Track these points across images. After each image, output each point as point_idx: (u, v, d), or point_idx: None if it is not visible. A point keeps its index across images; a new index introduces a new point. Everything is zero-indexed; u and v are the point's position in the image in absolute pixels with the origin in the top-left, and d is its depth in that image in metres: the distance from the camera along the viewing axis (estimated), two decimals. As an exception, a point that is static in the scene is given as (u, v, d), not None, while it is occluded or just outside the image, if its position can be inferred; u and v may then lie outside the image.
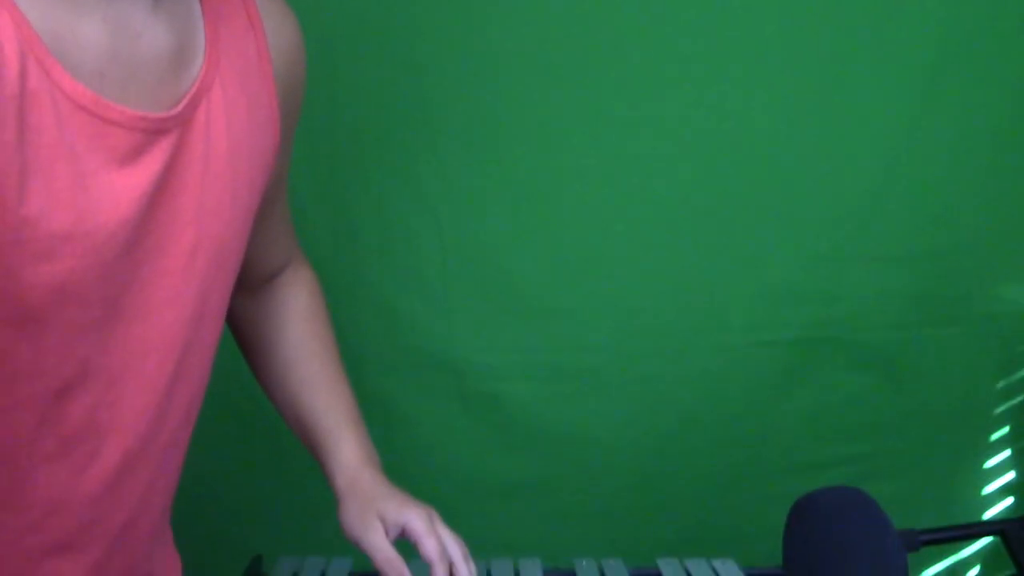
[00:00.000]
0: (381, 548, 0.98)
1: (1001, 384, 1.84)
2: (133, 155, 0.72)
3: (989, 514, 1.91)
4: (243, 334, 1.14)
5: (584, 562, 1.28)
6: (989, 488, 1.90)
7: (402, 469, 1.60)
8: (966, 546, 1.94)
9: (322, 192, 1.56)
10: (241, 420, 1.61)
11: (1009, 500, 1.91)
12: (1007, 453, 1.88)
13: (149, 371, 0.80)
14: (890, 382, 1.76)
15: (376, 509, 1.01)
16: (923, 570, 1.93)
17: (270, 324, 1.13)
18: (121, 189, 0.72)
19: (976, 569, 1.97)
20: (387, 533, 1.00)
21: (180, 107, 0.77)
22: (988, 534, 1.69)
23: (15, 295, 0.67)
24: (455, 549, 1.02)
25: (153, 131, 0.74)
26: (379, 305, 1.62)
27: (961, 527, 1.39)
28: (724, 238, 1.63)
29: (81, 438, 0.77)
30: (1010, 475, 1.89)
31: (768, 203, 1.62)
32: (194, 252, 0.81)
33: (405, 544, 1.02)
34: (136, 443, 0.81)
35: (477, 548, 1.37)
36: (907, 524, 1.13)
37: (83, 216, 0.69)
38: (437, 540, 1.00)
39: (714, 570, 1.27)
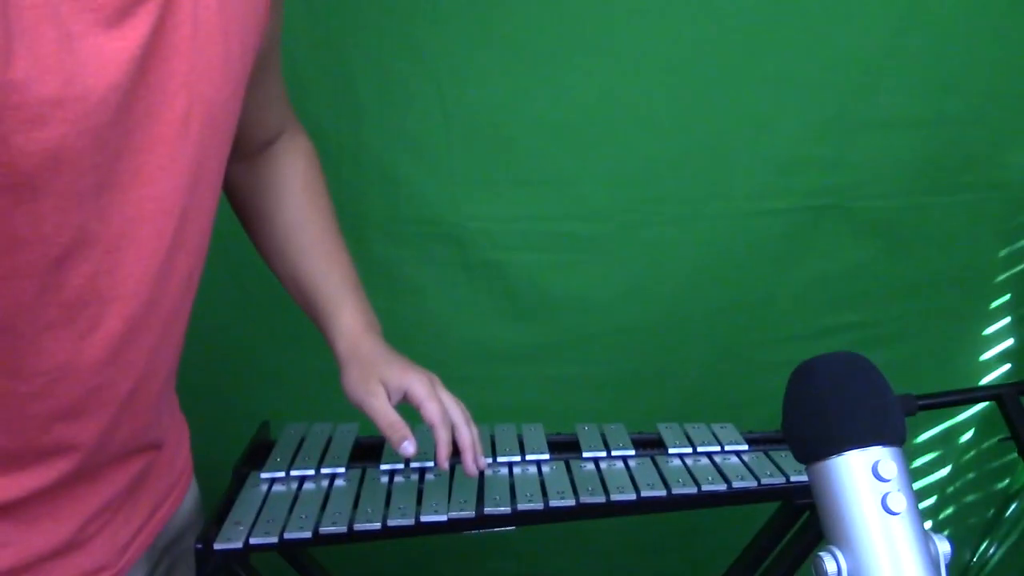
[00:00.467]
0: (384, 412, 1.00)
1: (1003, 252, 1.84)
2: (119, 16, 0.71)
3: (986, 380, 1.93)
4: (241, 204, 1.13)
5: (586, 427, 1.31)
6: (987, 355, 1.92)
7: (406, 337, 1.62)
8: (962, 411, 1.97)
9: (322, 61, 1.54)
10: (245, 288, 1.62)
11: (1007, 367, 1.93)
12: (1007, 320, 1.90)
13: (147, 238, 0.80)
14: (892, 250, 1.76)
15: (378, 374, 1.03)
16: (919, 434, 1.97)
17: (267, 193, 1.12)
18: (109, 52, 0.70)
19: (970, 433, 2.01)
20: (389, 398, 1.02)
21: None
22: (985, 399, 1.71)
23: (7, 162, 0.66)
24: (457, 412, 1.04)
25: None
26: (381, 174, 1.60)
27: (958, 392, 1.41)
28: (728, 104, 1.61)
29: (82, 305, 0.78)
30: (1009, 342, 1.91)
31: (772, 68, 1.59)
32: (187, 117, 0.80)
33: (409, 410, 1.04)
34: (138, 309, 0.82)
35: (481, 413, 1.39)
36: (906, 390, 1.15)
37: (71, 80, 0.67)
38: (439, 404, 1.02)
39: (713, 434, 1.30)
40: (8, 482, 0.82)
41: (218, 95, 0.83)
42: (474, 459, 1.04)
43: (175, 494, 1.06)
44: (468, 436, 1.04)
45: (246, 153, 1.09)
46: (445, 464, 1.02)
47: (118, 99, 0.72)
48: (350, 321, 1.08)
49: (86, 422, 0.84)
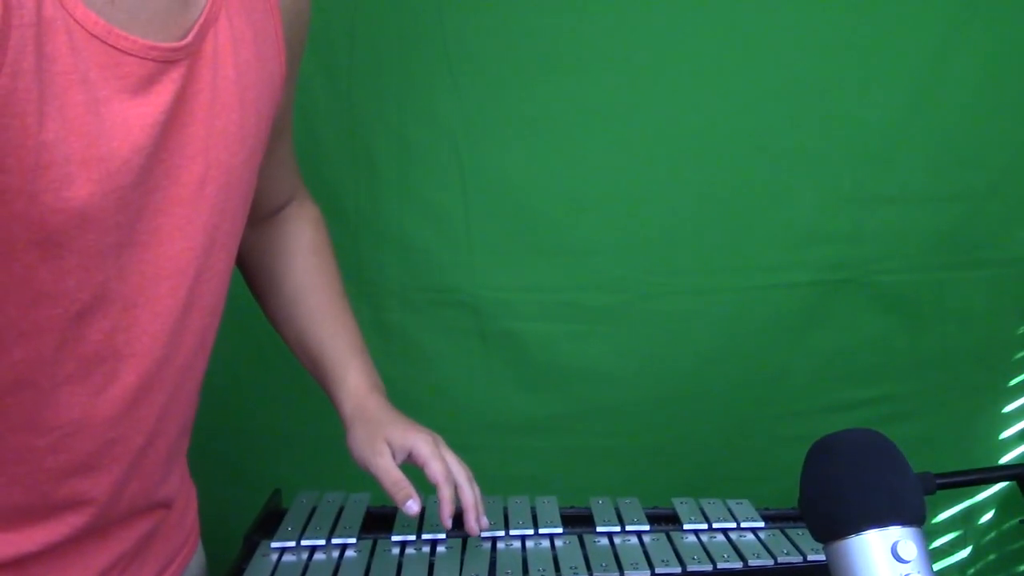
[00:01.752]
0: (388, 471, 1.01)
1: (1022, 329, 1.82)
2: (145, 84, 0.74)
3: (1006, 459, 1.91)
4: (249, 268, 1.15)
5: (600, 501, 1.29)
6: (1007, 433, 1.90)
7: (420, 405, 1.61)
8: (982, 490, 1.94)
9: (342, 127, 1.56)
10: (261, 354, 1.62)
11: (1027, 445, 1.91)
12: (1026, 398, 1.88)
13: (163, 296, 0.82)
14: (910, 325, 1.75)
15: (383, 434, 1.04)
16: (938, 513, 1.93)
17: (275, 258, 1.14)
18: (134, 117, 0.73)
19: (991, 513, 1.98)
20: (394, 457, 1.02)
21: (189, 37, 0.78)
22: (1005, 479, 1.67)
23: (37, 220, 0.68)
24: (460, 472, 1.04)
25: (164, 60, 0.75)
26: (398, 241, 1.61)
27: (978, 471, 1.37)
28: (745, 177, 1.61)
29: (99, 360, 0.79)
30: (1028, 419, 1.89)
31: (790, 140, 1.60)
32: (203, 181, 0.82)
33: (415, 473, 1.03)
34: (152, 366, 0.84)
35: (494, 485, 1.38)
36: (924, 468, 1.13)
37: (97, 141, 0.70)
38: (442, 463, 1.03)
39: (729, 510, 1.28)
40: (21, 537, 0.83)
41: (233, 160, 0.86)
42: (476, 518, 1.04)
43: (182, 555, 1.06)
44: (471, 496, 1.04)
45: (256, 219, 1.10)
46: (448, 522, 1.01)
47: (140, 162, 0.74)
48: (356, 382, 1.09)
49: (99, 477, 0.85)
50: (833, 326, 1.72)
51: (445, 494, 1.01)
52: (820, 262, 1.67)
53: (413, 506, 0.99)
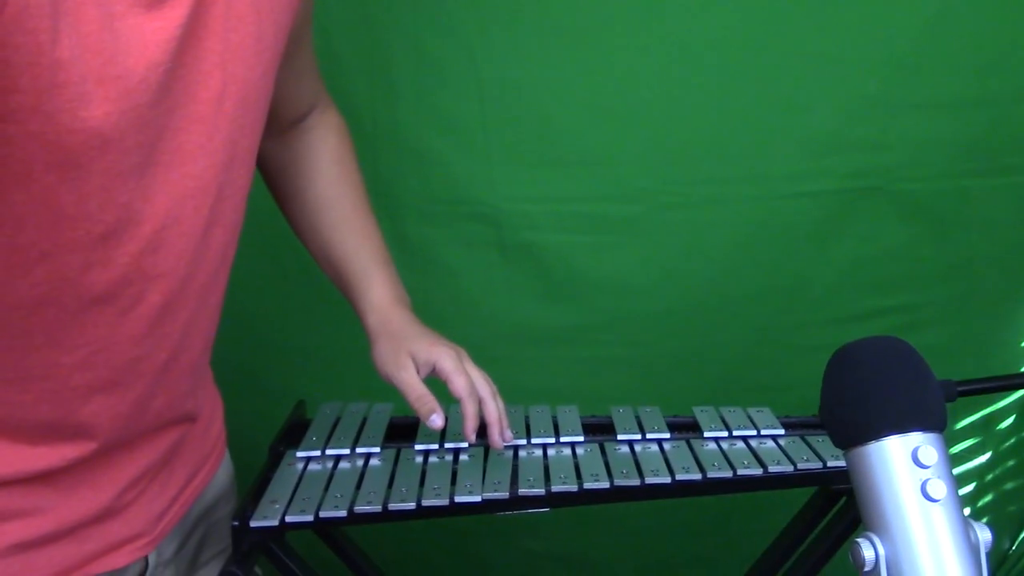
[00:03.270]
0: (413, 386, 1.03)
1: (1047, 237, 1.80)
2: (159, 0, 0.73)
3: (1028, 366, 1.91)
4: (273, 179, 1.16)
5: (621, 410, 1.30)
6: (1029, 340, 1.89)
7: (440, 317, 1.62)
8: (1003, 397, 1.95)
9: (357, 39, 1.53)
10: (280, 267, 1.63)
11: (1049, 352, 1.90)
12: (1050, 305, 1.87)
13: (187, 216, 0.82)
14: (933, 233, 1.73)
15: (407, 348, 1.05)
16: (958, 420, 1.94)
17: (299, 169, 1.14)
18: (149, 33, 0.72)
19: (1010, 419, 1.98)
20: (418, 371, 1.04)
21: None
22: (1026, 386, 1.69)
23: (53, 140, 0.68)
24: (483, 386, 1.07)
25: None
26: (416, 153, 1.60)
27: (999, 378, 1.38)
28: (767, 84, 1.59)
29: (126, 283, 0.80)
30: (1052, 327, 1.88)
31: (812, 47, 1.57)
32: (221, 97, 0.82)
33: (439, 386, 1.04)
34: (176, 285, 0.84)
35: (515, 395, 1.39)
36: (945, 375, 1.13)
37: (113, 59, 0.69)
38: (466, 377, 1.04)
39: (750, 418, 1.29)
40: (50, 451, 0.85)
41: (250, 74, 0.85)
42: (500, 432, 1.07)
43: (208, 465, 1.09)
44: (495, 410, 1.06)
45: (278, 129, 1.11)
46: (472, 437, 1.04)
47: (158, 79, 0.74)
48: (380, 295, 1.10)
49: (124, 393, 0.87)
50: (856, 235, 1.71)
51: (469, 409, 1.03)
52: (843, 170, 1.65)
53: (437, 420, 1.01)
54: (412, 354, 1.05)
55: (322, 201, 1.13)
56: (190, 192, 0.82)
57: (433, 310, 1.59)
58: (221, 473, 1.12)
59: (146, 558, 0.98)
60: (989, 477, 2.02)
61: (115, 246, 0.77)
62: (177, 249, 0.82)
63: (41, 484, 0.86)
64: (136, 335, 0.84)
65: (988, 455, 2.00)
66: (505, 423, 1.07)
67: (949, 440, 1.94)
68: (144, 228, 0.78)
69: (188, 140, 0.80)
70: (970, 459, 1.99)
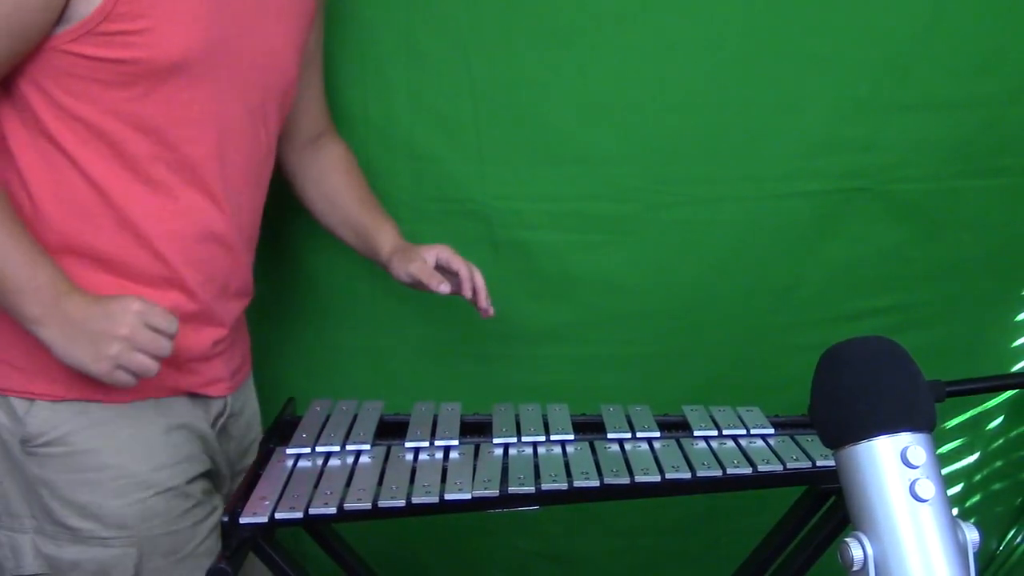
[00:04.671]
0: (427, 267, 1.38)
1: (1037, 238, 1.81)
2: None
3: (1017, 367, 1.91)
4: (299, 188, 1.51)
5: (611, 408, 1.30)
6: (1019, 341, 1.90)
7: (432, 315, 1.63)
8: (991, 398, 1.95)
9: (350, 37, 1.53)
10: (273, 268, 1.63)
11: (1037, 353, 1.91)
12: (1039, 306, 1.87)
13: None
14: (924, 234, 1.73)
15: (418, 251, 1.41)
16: (947, 420, 1.95)
17: (319, 175, 1.49)
18: None
19: (999, 420, 1.99)
20: (428, 263, 1.39)
21: None
22: (1015, 387, 1.70)
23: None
24: (478, 276, 1.42)
25: None
26: (408, 151, 1.60)
27: (988, 379, 1.40)
28: (759, 84, 1.59)
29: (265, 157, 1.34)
30: (1040, 328, 1.89)
31: (805, 47, 1.57)
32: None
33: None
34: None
35: (505, 393, 1.39)
36: (935, 376, 1.13)
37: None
38: (467, 265, 1.41)
39: (739, 417, 1.29)
40: (186, 300, 1.22)
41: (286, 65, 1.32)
42: (487, 300, 1.42)
43: (247, 366, 1.42)
44: (482, 281, 1.42)
45: (300, 144, 1.47)
46: (490, 308, 1.42)
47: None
48: (390, 236, 1.45)
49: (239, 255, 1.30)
50: (846, 235, 1.71)
51: (479, 280, 1.41)
52: (835, 171, 1.65)
53: (444, 287, 1.36)
54: (422, 253, 1.40)
55: (337, 190, 1.49)
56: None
57: (424, 307, 1.60)
58: (251, 381, 1.45)
59: (226, 399, 1.33)
60: (977, 478, 2.03)
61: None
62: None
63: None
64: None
65: (976, 455, 2.00)
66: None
67: (937, 440, 1.95)
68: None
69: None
70: (958, 459, 1.99)
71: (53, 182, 1.15)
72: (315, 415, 1.28)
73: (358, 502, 1.07)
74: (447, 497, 1.09)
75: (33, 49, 1.09)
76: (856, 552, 0.65)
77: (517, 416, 1.28)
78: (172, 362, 1.18)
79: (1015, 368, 1.91)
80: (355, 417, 1.27)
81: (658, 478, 1.14)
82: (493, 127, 1.59)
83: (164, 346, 1.10)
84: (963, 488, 2.03)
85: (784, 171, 1.64)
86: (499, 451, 1.19)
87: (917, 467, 0.65)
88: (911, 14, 1.56)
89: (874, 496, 0.65)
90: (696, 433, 1.25)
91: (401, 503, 1.08)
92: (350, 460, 1.17)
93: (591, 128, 1.60)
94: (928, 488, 0.64)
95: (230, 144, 1.24)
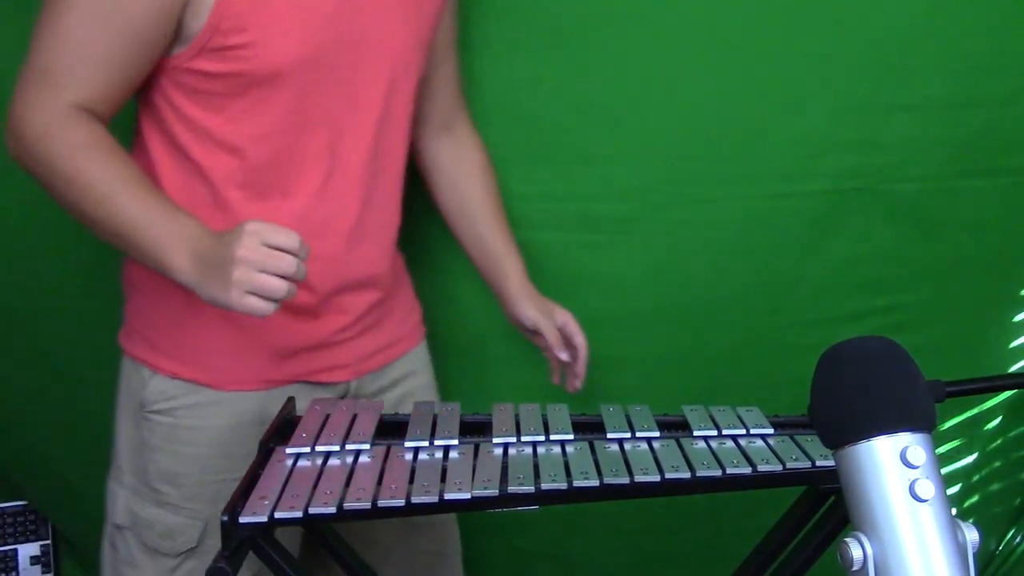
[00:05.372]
0: (551, 329, 1.51)
1: (1037, 239, 1.81)
2: None
3: (1016, 367, 1.91)
4: (429, 176, 1.57)
5: (611, 408, 1.30)
6: (1017, 342, 1.90)
7: (433, 315, 1.63)
8: (990, 398, 1.96)
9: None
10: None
11: (1036, 353, 1.91)
12: (1038, 307, 1.87)
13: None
14: (923, 234, 1.74)
15: (547, 306, 1.53)
16: (945, 420, 1.95)
17: (454, 178, 1.56)
18: None
19: (997, 420, 1.99)
20: (555, 322, 1.52)
21: None
22: (1014, 387, 1.70)
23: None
24: (585, 353, 1.53)
25: None
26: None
27: (987, 379, 1.39)
28: (758, 84, 1.59)
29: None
30: (1039, 329, 1.89)
31: (804, 47, 1.57)
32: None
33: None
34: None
35: (506, 393, 1.39)
36: (934, 375, 1.13)
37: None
38: (584, 341, 1.53)
39: (739, 417, 1.29)
40: (301, 292, 1.22)
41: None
42: (582, 377, 1.54)
43: (403, 344, 1.51)
44: (586, 357, 1.54)
45: (432, 131, 1.53)
46: (579, 384, 1.54)
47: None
48: (517, 271, 1.55)
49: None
50: (846, 235, 1.71)
51: (582, 354, 1.53)
52: (834, 170, 1.65)
53: (564, 356, 1.51)
54: (551, 310, 1.52)
55: (473, 196, 1.56)
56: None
57: (426, 307, 1.60)
58: (416, 355, 1.54)
59: (348, 383, 1.43)
60: (975, 478, 2.03)
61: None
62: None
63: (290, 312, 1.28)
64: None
65: (974, 456, 2.00)
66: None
67: (935, 440, 1.95)
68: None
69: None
70: (956, 460, 1.99)
71: (181, 183, 1.26)
72: (315, 414, 1.27)
73: (358, 501, 1.07)
74: (447, 497, 1.09)
75: (158, 66, 1.21)
76: (856, 552, 0.65)
77: (517, 416, 1.28)
78: (281, 352, 1.33)
79: (1014, 368, 1.91)
80: (355, 416, 1.27)
81: (658, 478, 1.14)
82: (493, 127, 1.59)
83: (287, 262, 1.10)
84: (961, 489, 2.03)
85: (783, 171, 1.64)
86: (499, 451, 1.19)
87: (917, 467, 0.65)
88: (911, 14, 1.56)
89: (874, 496, 0.66)
90: (696, 433, 1.25)
91: (401, 503, 1.08)
92: (350, 459, 1.17)
93: (591, 128, 1.60)
94: (928, 488, 0.64)
95: (345, 143, 1.30)
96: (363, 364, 1.44)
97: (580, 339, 1.51)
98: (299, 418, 1.27)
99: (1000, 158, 1.68)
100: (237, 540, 1.04)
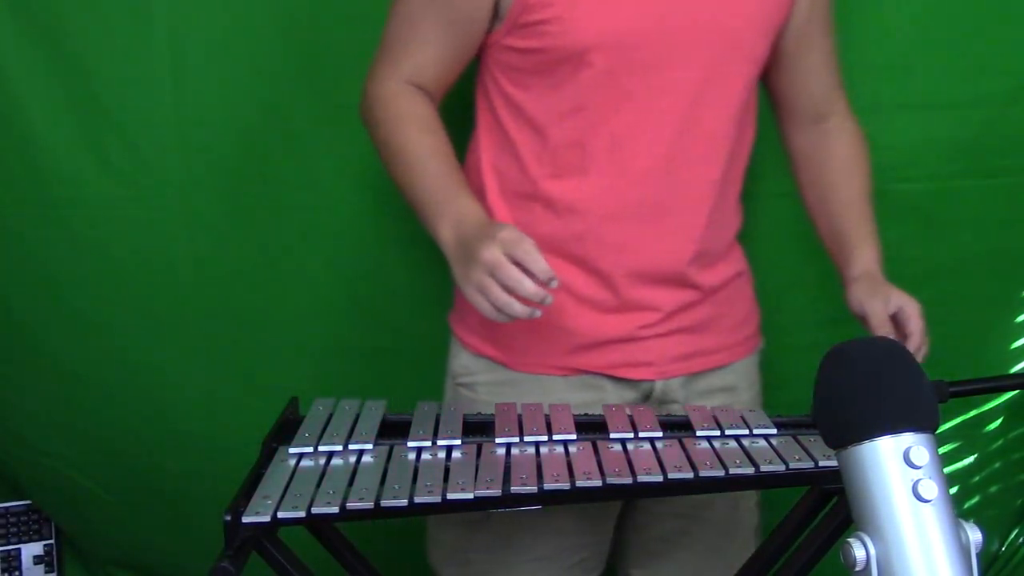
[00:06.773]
0: (879, 313, 1.36)
1: (1038, 239, 1.81)
2: None
3: (1017, 368, 1.91)
4: (797, 165, 1.53)
5: (614, 408, 1.30)
6: (1019, 343, 1.90)
7: (438, 313, 1.62)
8: (991, 398, 1.95)
9: (351, 35, 1.54)
10: (274, 265, 1.63)
11: (1038, 354, 1.91)
12: (1040, 307, 1.87)
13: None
14: (925, 233, 1.74)
15: (884, 290, 1.38)
16: (949, 420, 1.95)
17: (820, 166, 1.50)
18: None
19: (997, 422, 1.99)
20: (887, 306, 1.36)
21: None
22: (1015, 387, 1.69)
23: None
24: (926, 348, 1.38)
25: None
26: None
27: (989, 379, 1.39)
28: (760, 83, 1.59)
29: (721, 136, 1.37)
30: (1041, 329, 1.89)
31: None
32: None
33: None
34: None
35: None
36: (936, 376, 1.13)
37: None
38: (922, 332, 1.37)
39: (742, 418, 1.29)
40: (597, 281, 1.34)
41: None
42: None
43: (728, 353, 1.46)
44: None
45: (801, 122, 1.49)
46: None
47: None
48: (869, 257, 1.44)
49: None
50: (847, 235, 1.71)
51: (916, 342, 1.36)
52: (835, 171, 1.65)
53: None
54: (886, 295, 1.37)
55: (832, 184, 1.49)
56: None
57: (431, 306, 1.60)
58: (739, 368, 1.48)
59: (653, 382, 1.39)
60: (975, 479, 2.02)
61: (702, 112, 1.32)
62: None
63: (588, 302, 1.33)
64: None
65: (974, 457, 2.00)
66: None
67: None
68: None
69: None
70: (955, 461, 1.99)
71: (496, 157, 1.35)
72: (318, 414, 1.27)
73: (360, 501, 1.07)
74: (449, 497, 1.09)
75: (483, 45, 1.31)
76: (859, 552, 0.65)
77: (520, 416, 1.28)
78: (581, 340, 1.36)
79: (1015, 369, 1.91)
80: (357, 416, 1.27)
81: (660, 478, 1.14)
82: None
83: (522, 284, 1.13)
84: (960, 490, 2.03)
85: (785, 169, 1.64)
86: (502, 451, 1.19)
87: (920, 467, 0.65)
88: (911, 14, 1.56)
89: (877, 496, 0.66)
90: (699, 433, 1.25)
91: (404, 503, 1.08)
92: (352, 459, 1.17)
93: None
94: (931, 488, 0.65)
95: (649, 128, 1.30)
96: (671, 366, 1.40)
97: (914, 325, 1.37)
98: (302, 417, 1.27)
99: (1001, 158, 1.68)
100: (240, 540, 1.05)
